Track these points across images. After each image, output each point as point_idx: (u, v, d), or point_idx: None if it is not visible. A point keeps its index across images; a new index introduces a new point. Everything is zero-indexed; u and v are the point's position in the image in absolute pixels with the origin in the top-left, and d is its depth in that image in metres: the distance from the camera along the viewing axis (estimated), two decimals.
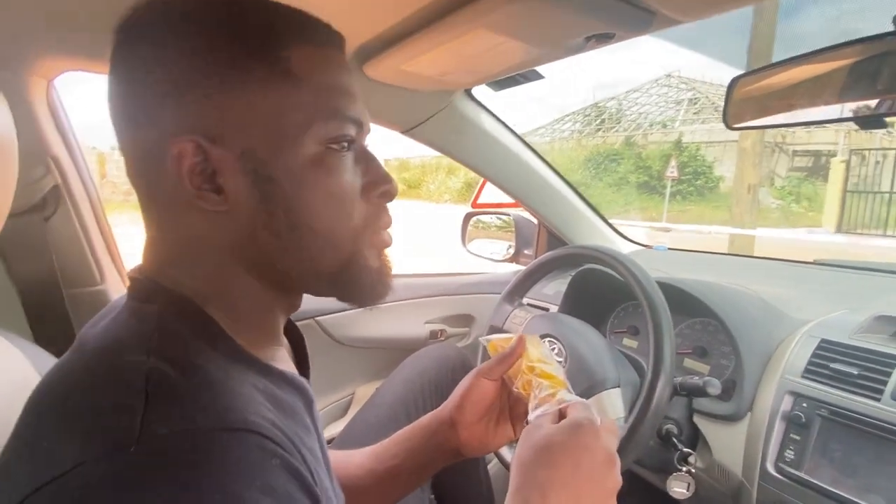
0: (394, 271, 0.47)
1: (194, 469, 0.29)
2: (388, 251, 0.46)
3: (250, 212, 0.39)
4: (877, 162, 10.21)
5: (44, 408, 0.35)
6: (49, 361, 0.70)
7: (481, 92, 1.11)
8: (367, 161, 0.44)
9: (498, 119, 1.19)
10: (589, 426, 0.48)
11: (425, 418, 0.64)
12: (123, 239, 1.09)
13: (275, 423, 0.34)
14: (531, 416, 0.53)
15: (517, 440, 0.59)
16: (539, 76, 0.93)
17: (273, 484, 0.31)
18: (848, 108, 0.63)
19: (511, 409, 0.62)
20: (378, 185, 0.44)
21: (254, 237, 0.39)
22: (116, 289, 1.03)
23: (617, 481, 0.48)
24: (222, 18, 0.38)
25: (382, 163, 0.46)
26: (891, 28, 0.56)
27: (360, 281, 0.43)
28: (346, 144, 0.41)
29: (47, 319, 0.92)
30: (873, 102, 0.61)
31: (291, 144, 0.38)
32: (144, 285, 0.40)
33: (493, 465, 1.22)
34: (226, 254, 0.40)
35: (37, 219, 0.90)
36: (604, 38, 0.66)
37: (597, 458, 0.47)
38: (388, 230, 0.46)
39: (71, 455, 0.29)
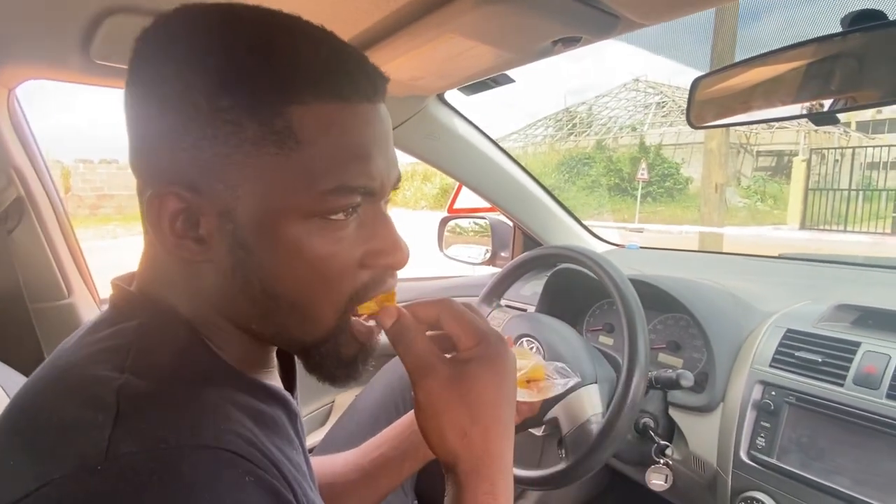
0: (377, 348, 0.43)
1: (162, 488, 0.28)
2: (374, 336, 0.42)
3: (228, 272, 0.36)
4: (836, 161, 10.63)
5: (11, 426, 0.34)
6: (14, 378, 0.68)
7: (454, 98, 1.13)
8: (376, 226, 0.38)
9: (471, 123, 1.20)
10: (496, 337, 0.42)
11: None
12: (90, 253, 1.06)
13: (251, 440, 0.33)
14: None
15: None
16: (510, 80, 0.95)
17: (246, 501, 0.30)
18: (804, 107, 0.66)
19: None
20: (384, 256, 0.39)
21: (232, 294, 0.37)
22: (85, 302, 1.00)
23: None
24: (225, 65, 0.33)
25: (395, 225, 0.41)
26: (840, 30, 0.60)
27: (325, 362, 0.40)
28: (349, 211, 0.36)
29: (13, 335, 0.89)
30: (827, 101, 0.64)
31: (275, 214, 0.35)
32: (129, 296, 0.39)
33: None
34: (209, 299, 0.38)
35: None
36: (571, 42, 0.68)
37: (514, 367, 0.42)
38: (385, 295, 0.41)
39: (37, 475, 0.28)
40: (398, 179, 0.41)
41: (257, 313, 0.38)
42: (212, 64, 0.33)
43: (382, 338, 0.43)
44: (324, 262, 0.36)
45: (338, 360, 0.40)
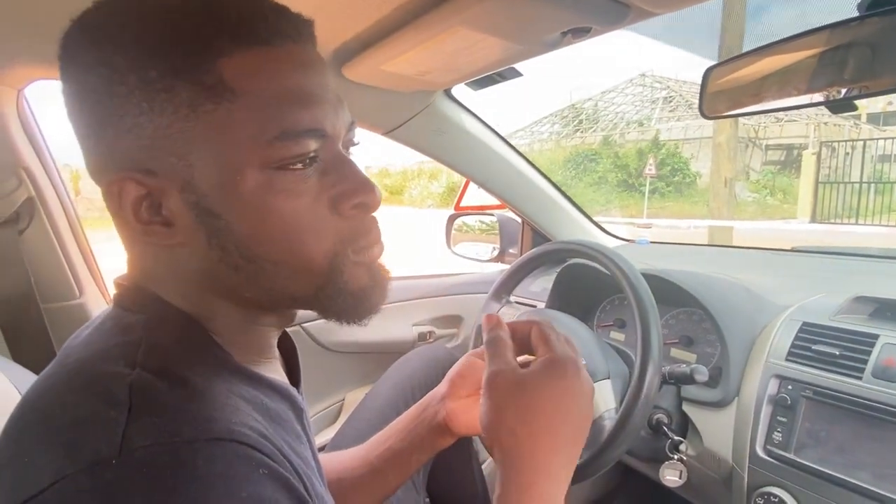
0: (389, 278, 0.43)
1: (177, 481, 0.28)
2: (381, 262, 0.42)
3: (203, 246, 0.36)
4: (846, 153, 10.51)
5: (25, 424, 0.34)
6: (28, 378, 0.69)
7: (461, 93, 1.12)
8: (338, 170, 0.38)
9: (479, 119, 1.19)
10: (567, 360, 0.46)
11: (420, 400, 0.65)
12: (103, 255, 1.06)
13: (263, 433, 0.34)
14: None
15: None
16: (517, 74, 0.94)
17: (260, 494, 0.30)
18: (818, 94, 0.64)
19: None
20: (351, 197, 0.38)
21: (215, 269, 0.37)
22: (96, 302, 1.01)
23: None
24: (144, 35, 0.33)
25: (363, 169, 0.40)
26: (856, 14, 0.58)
27: (338, 302, 0.39)
28: (306, 161, 0.36)
29: (25, 335, 0.89)
30: (843, 88, 0.63)
31: (232, 173, 0.34)
32: (132, 293, 0.39)
33: (487, 465, 1.22)
34: (194, 282, 0.38)
35: (10, 232, 0.88)
36: (580, 33, 0.67)
37: (583, 393, 0.45)
38: (379, 243, 0.41)
39: (51, 470, 0.28)
40: (352, 124, 0.41)
41: (245, 280, 0.37)
42: (131, 39, 0.33)
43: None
44: (292, 215, 0.36)
45: (350, 294, 0.39)
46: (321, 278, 0.38)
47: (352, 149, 0.42)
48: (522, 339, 0.50)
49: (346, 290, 0.39)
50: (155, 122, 0.33)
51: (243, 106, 0.34)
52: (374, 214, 0.41)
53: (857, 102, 0.63)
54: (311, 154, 0.36)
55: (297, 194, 0.36)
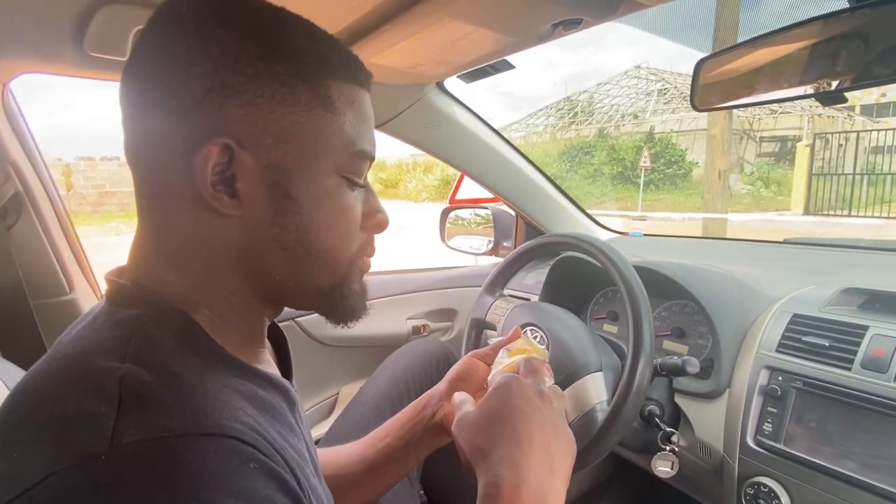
0: (372, 270, 0.49)
1: (167, 476, 0.28)
2: (365, 277, 0.49)
3: (263, 222, 0.39)
4: (840, 145, 10.55)
5: (14, 419, 0.34)
6: (18, 375, 0.68)
7: (454, 86, 1.11)
8: (369, 194, 0.46)
9: (472, 112, 1.19)
10: (511, 382, 0.50)
11: (418, 398, 0.66)
12: (95, 251, 1.06)
13: (254, 426, 0.34)
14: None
15: None
16: (510, 66, 0.93)
17: (251, 488, 0.30)
18: (810, 87, 0.64)
19: None
20: (373, 216, 0.46)
21: (260, 246, 0.40)
22: (86, 298, 1.00)
23: (562, 413, 0.52)
24: (281, 35, 0.39)
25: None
26: (847, 7, 0.58)
27: (345, 301, 0.45)
28: (360, 180, 0.43)
29: (14, 332, 0.88)
30: (834, 81, 0.63)
31: (318, 169, 0.40)
32: (124, 288, 0.39)
33: None
34: (223, 257, 0.40)
35: None
36: (572, 25, 0.67)
37: (533, 407, 0.48)
38: (371, 258, 0.48)
39: (41, 465, 0.28)
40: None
41: (285, 261, 0.41)
42: (269, 34, 0.38)
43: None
44: (346, 215, 0.43)
45: (354, 295, 0.46)
46: (338, 277, 0.44)
47: None
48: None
49: (351, 292, 0.45)
50: (271, 107, 0.37)
51: (343, 122, 0.41)
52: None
53: (851, 94, 0.63)
54: (365, 173, 0.44)
55: (350, 201, 0.43)
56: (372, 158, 0.45)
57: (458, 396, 0.55)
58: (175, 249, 0.40)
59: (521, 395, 0.49)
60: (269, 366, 0.46)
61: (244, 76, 0.37)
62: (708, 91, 0.73)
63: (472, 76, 0.98)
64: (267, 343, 0.49)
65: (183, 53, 0.36)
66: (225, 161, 0.37)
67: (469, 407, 0.51)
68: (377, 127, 1.11)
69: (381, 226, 0.48)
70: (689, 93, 0.74)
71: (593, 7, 0.62)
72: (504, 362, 0.59)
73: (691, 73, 0.73)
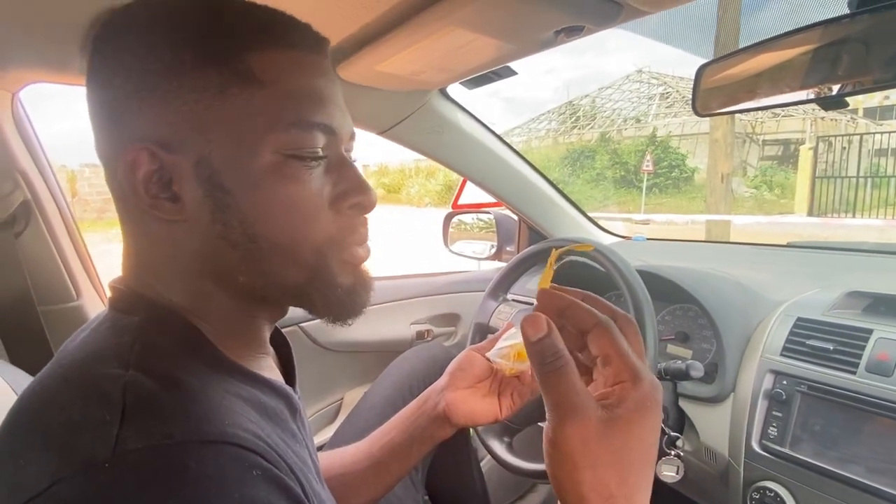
0: (375, 276, 0.44)
1: (170, 483, 0.28)
2: (365, 265, 0.43)
3: (206, 222, 0.37)
4: (843, 148, 10.51)
5: (20, 426, 0.34)
6: (25, 380, 0.69)
7: (456, 92, 1.12)
8: (341, 170, 0.41)
9: (474, 117, 1.19)
10: (655, 386, 0.34)
11: (420, 394, 0.67)
12: (101, 257, 1.06)
13: (257, 433, 0.34)
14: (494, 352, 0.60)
15: (502, 421, 0.63)
16: (512, 72, 0.94)
17: (253, 495, 0.30)
18: (811, 92, 0.65)
19: (500, 392, 0.64)
20: (350, 196, 0.41)
21: (212, 248, 0.38)
22: (93, 304, 1.01)
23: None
24: (184, 22, 0.36)
25: (361, 170, 0.43)
26: (848, 12, 0.59)
27: (327, 297, 0.41)
28: (314, 152, 0.39)
29: (22, 338, 0.89)
30: (835, 86, 0.63)
31: (248, 153, 0.37)
32: (125, 295, 0.40)
33: (486, 463, 1.22)
34: (188, 264, 0.39)
35: (6, 235, 0.88)
36: (573, 32, 0.67)
37: (658, 425, 0.35)
38: (364, 245, 0.43)
39: (47, 473, 0.29)
40: (353, 136, 0.44)
41: (241, 260, 0.38)
42: (171, 25, 0.36)
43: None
44: (294, 200, 0.38)
45: (339, 289, 0.41)
46: (308, 270, 0.39)
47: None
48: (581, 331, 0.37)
49: (335, 285, 0.40)
50: (183, 99, 0.36)
51: (267, 95, 0.37)
52: (367, 217, 0.43)
53: (854, 97, 0.63)
54: (319, 147, 0.39)
55: (301, 182, 0.38)
56: (329, 129, 0.39)
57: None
58: (150, 260, 0.40)
59: (655, 427, 0.34)
60: (272, 372, 0.46)
61: (155, 75, 0.35)
62: (710, 96, 0.74)
63: (475, 82, 0.99)
64: (271, 350, 0.48)
65: (105, 67, 0.37)
66: (156, 167, 0.36)
67: (596, 413, 0.33)
68: (382, 133, 1.12)
69: (363, 207, 0.42)
70: (690, 97, 0.75)
71: (595, 14, 0.62)
72: (504, 345, 0.60)
73: (693, 76, 0.73)
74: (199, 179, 0.37)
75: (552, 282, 0.38)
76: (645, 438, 0.33)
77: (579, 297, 0.39)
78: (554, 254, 0.40)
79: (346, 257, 0.41)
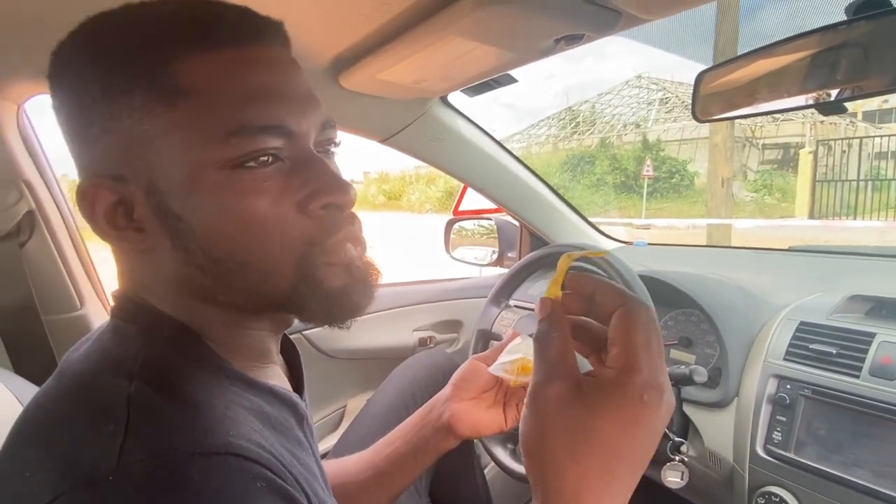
0: (374, 276, 0.41)
1: (173, 496, 0.28)
2: (364, 261, 0.40)
3: (169, 249, 0.36)
4: (843, 151, 10.52)
5: (25, 438, 0.34)
6: (30, 390, 0.69)
7: (457, 99, 1.13)
8: (306, 170, 0.37)
9: (475, 124, 1.20)
10: (649, 379, 0.32)
11: (425, 404, 0.66)
12: (99, 263, 1.07)
13: (261, 444, 0.34)
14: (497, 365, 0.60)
15: (507, 431, 0.63)
16: (512, 80, 0.95)
17: None
18: (810, 97, 0.65)
19: (506, 403, 0.63)
20: (319, 197, 0.37)
21: (184, 273, 0.37)
22: (97, 314, 1.01)
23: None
24: (106, 47, 0.35)
25: (339, 169, 0.40)
26: (845, 19, 0.59)
27: (315, 303, 0.38)
28: (267, 159, 0.35)
29: (27, 348, 0.90)
30: (833, 91, 0.63)
31: (189, 173, 0.34)
32: (126, 305, 0.40)
33: (489, 470, 1.22)
34: (170, 287, 0.38)
35: (11, 245, 0.89)
36: (573, 40, 0.68)
37: (656, 427, 0.33)
38: (356, 240, 0.40)
39: (51, 486, 0.29)
40: (326, 123, 0.39)
41: (214, 283, 0.37)
42: (96, 53, 0.35)
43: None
44: (251, 215, 0.35)
45: (326, 295, 0.38)
46: (291, 279, 0.37)
47: (337, 149, 0.42)
48: (592, 328, 0.37)
49: (322, 290, 0.38)
50: (117, 128, 0.34)
51: (198, 106, 0.34)
52: (354, 212, 0.40)
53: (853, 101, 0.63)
54: (271, 152, 0.35)
55: (256, 194, 0.35)
56: (282, 128, 0.35)
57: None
58: (139, 280, 0.40)
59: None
60: (279, 380, 0.45)
61: (90, 109, 0.35)
62: (709, 102, 0.74)
63: (476, 90, 1.00)
64: (279, 358, 0.48)
65: (55, 106, 0.37)
66: (115, 200, 0.35)
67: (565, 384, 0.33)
68: (383, 141, 1.12)
69: (337, 206, 0.38)
70: (689, 101, 0.75)
71: (594, 23, 0.63)
72: (506, 359, 0.60)
73: (692, 81, 0.74)
74: (151, 208, 0.35)
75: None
76: (620, 426, 0.31)
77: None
78: (566, 259, 0.38)
79: (333, 259, 0.38)
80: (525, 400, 0.34)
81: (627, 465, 0.32)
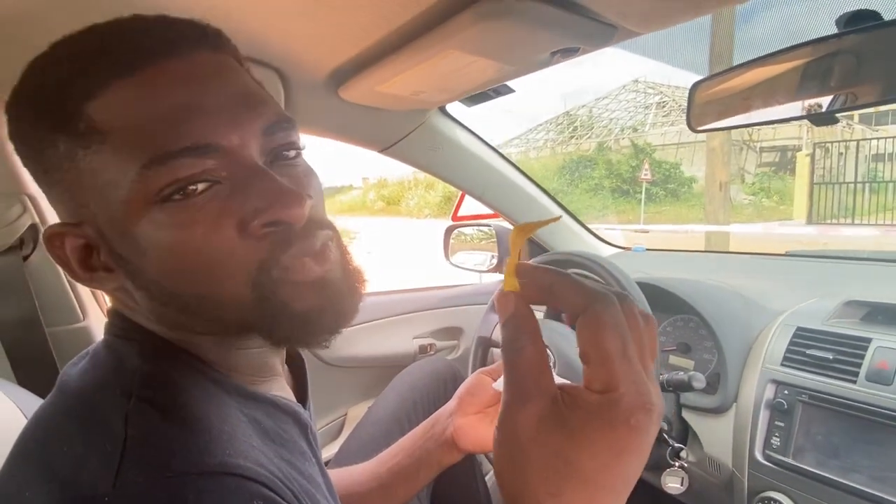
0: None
1: None
2: (338, 273, 0.37)
3: (132, 287, 0.36)
4: (840, 154, 10.56)
5: (25, 457, 0.34)
6: (33, 401, 0.69)
7: (455, 108, 1.14)
8: (247, 187, 0.33)
9: (473, 133, 1.21)
10: (637, 402, 0.27)
11: (429, 417, 0.66)
12: None
13: (259, 460, 0.33)
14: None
15: None
16: (510, 90, 0.96)
17: None
18: (803, 106, 0.66)
19: None
20: (258, 215, 0.33)
21: (154, 309, 0.37)
22: (99, 325, 1.01)
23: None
24: (31, 95, 0.35)
25: (305, 175, 0.37)
26: (836, 31, 0.60)
27: (285, 325, 0.36)
28: (195, 187, 0.32)
29: (30, 359, 0.90)
30: (825, 101, 0.65)
31: (121, 213, 0.33)
32: (122, 321, 0.40)
33: (490, 478, 1.22)
34: (155, 318, 0.38)
35: (15, 259, 0.89)
36: (569, 52, 0.69)
37: (643, 451, 0.28)
38: (318, 254, 0.36)
39: None
40: (274, 125, 0.36)
41: (182, 315, 0.36)
42: (26, 102, 0.35)
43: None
44: (191, 248, 0.33)
45: (296, 317, 0.35)
46: (250, 304, 0.34)
47: (301, 153, 0.39)
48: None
49: (288, 312, 0.35)
50: (58, 177, 0.34)
51: (115, 143, 0.32)
52: (315, 224, 0.36)
53: None
54: (201, 178, 0.32)
55: (189, 225, 0.33)
56: (209, 145, 0.32)
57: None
58: (128, 306, 0.40)
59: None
60: (283, 391, 0.45)
61: (32, 160, 0.35)
62: (704, 112, 0.75)
63: (474, 100, 1.01)
64: (284, 368, 0.48)
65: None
66: (81, 243, 0.36)
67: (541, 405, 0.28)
68: (382, 151, 1.13)
69: (282, 222, 0.34)
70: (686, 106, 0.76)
71: (590, 36, 0.64)
72: None
73: (688, 86, 0.75)
74: (105, 250, 0.36)
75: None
76: (603, 456, 0.27)
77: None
78: (519, 233, 0.32)
79: (293, 277, 0.35)
80: (496, 423, 0.29)
81: (614, 496, 0.28)
